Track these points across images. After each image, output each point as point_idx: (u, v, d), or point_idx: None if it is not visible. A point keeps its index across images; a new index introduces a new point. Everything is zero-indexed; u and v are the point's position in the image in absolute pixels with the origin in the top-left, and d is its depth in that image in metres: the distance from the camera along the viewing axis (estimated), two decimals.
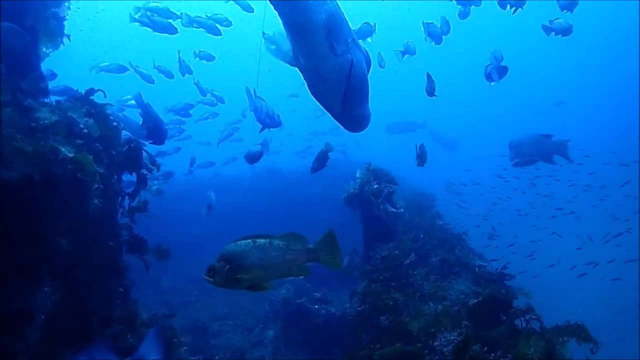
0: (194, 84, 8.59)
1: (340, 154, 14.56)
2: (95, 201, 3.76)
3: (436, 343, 3.37)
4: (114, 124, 3.99)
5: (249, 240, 2.24)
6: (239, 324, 8.53)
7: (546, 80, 30.58)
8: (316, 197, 11.86)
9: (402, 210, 5.81)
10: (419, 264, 5.08)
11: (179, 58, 8.34)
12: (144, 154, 4.39)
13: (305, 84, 2.40)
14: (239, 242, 2.25)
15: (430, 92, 4.87)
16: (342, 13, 2.34)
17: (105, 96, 4.32)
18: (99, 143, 4.02)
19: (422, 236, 5.21)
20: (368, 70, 2.34)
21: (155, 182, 8.70)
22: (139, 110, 5.29)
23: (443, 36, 6.20)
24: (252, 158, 6.05)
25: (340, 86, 2.23)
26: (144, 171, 4.19)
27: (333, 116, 2.34)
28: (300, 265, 2.26)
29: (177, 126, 9.47)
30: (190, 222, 13.16)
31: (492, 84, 5.22)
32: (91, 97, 4.15)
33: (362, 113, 2.26)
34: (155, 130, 5.23)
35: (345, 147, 14.84)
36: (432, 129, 23.14)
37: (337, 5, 2.30)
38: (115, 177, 4.21)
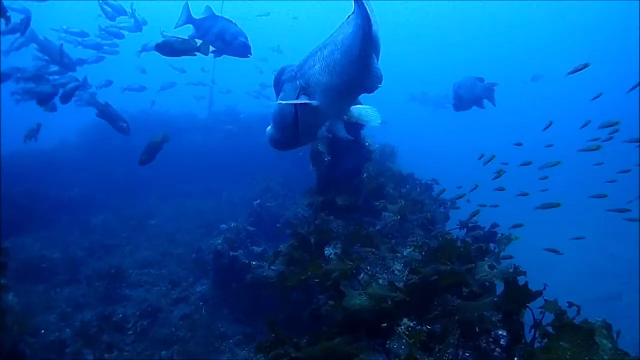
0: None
1: None
2: None
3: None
4: None
5: None
6: (164, 275, 7.29)
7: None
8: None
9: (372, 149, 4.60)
10: (375, 221, 3.92)
11: None
12: None
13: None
14: None
15: None
16: None
17: None
18: None
19: (365, 175, 4.00)
20: None
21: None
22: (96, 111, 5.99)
23: None
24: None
25: None
26: None
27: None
28: None
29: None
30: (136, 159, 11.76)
31: None
32: None
33: None
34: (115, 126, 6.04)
35: None
36: (412, 93, 22.00)
37: None
38: None
